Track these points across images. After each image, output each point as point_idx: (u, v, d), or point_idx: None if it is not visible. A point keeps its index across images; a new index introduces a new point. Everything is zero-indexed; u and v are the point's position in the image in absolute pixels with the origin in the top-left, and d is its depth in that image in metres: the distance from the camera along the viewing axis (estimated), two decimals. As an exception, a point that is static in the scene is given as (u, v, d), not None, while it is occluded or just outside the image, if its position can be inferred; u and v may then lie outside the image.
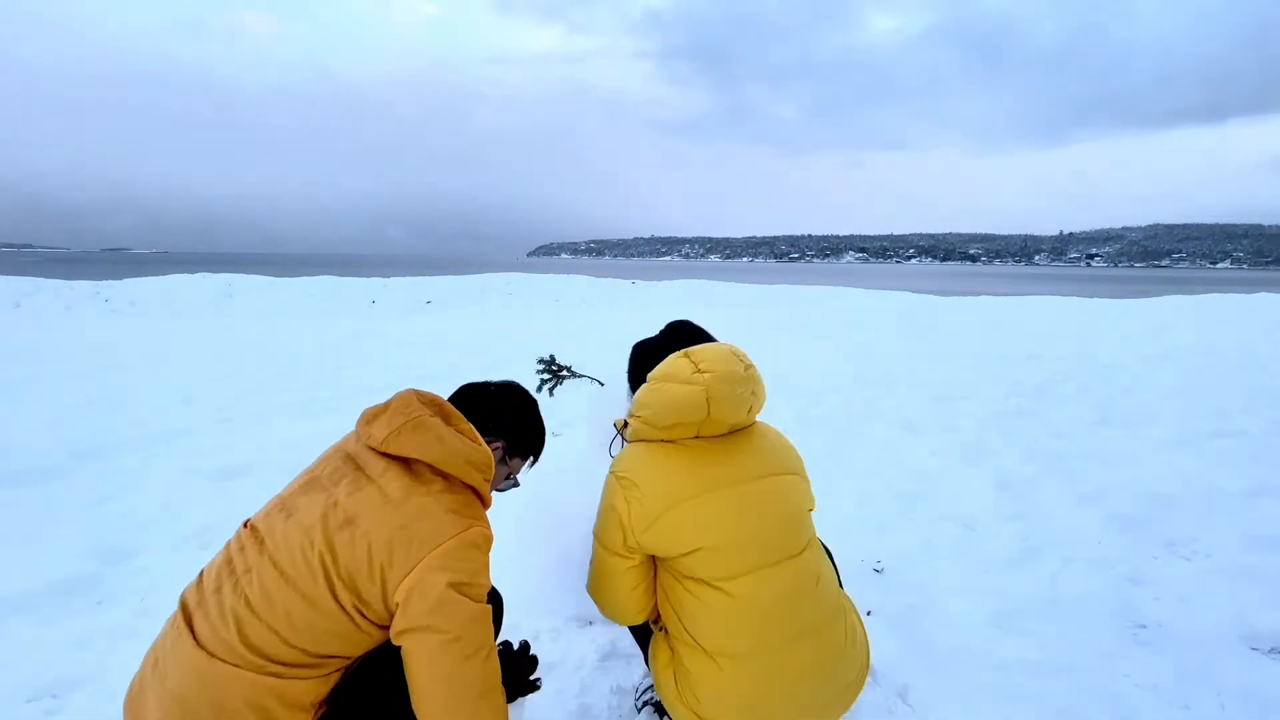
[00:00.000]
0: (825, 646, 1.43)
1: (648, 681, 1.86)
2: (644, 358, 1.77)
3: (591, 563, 1.56)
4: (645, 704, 1.78)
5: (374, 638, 1.23)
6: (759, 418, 1.58)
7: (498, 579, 2.40)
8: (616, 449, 1.67)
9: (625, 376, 1.93)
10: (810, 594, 1.44)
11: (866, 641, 1.56)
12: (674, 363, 1.48)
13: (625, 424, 1.58)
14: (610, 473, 1.51)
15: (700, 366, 1.43)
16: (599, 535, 1.51)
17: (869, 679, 1.64)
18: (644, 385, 1.52)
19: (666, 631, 1.51)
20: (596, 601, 1.57)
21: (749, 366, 1.47)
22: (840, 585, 1.60)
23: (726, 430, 1.46)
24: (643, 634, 1.66)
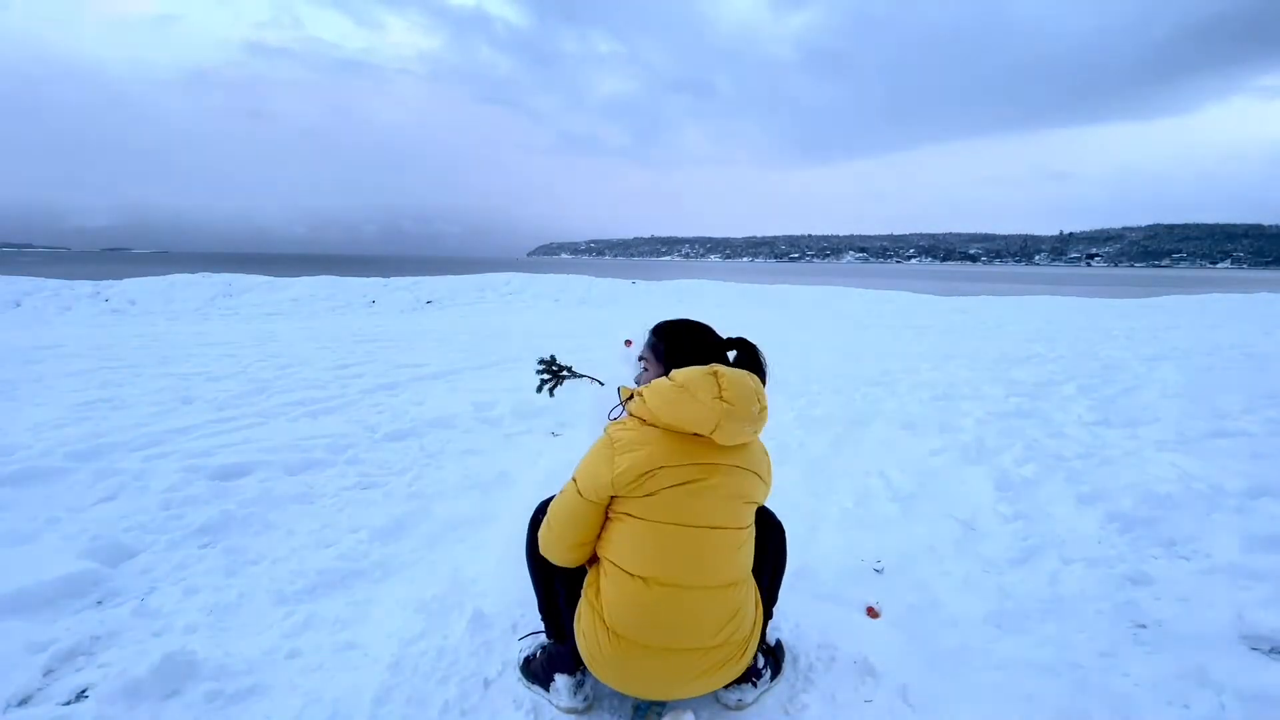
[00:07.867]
0: (710, 602, 1.58)
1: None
2: (678, 337, 1.78)
3: (557, 504, 1.67)
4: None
5: None
6: None
7: (499, 581, 2.39)
8: (616, 415, 1.72)
9: (645, 342, 1.88)
10: (726, 558, 1.60)
11: (755, 625, 1.70)
12: (702, 378, 1.54)
13: (630, 397, 1.64)
14: (606, 433, 1.61)
15: (724, 395, 1.51)
16: (580, 480, 1.61)
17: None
18: (666, 379, 1.58)
19: (598, 562, 1.67)
20: (546, 539, 1.68)
21: (763, 409, 1.60)
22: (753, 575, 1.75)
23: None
24: (551, 596, 1.84)
